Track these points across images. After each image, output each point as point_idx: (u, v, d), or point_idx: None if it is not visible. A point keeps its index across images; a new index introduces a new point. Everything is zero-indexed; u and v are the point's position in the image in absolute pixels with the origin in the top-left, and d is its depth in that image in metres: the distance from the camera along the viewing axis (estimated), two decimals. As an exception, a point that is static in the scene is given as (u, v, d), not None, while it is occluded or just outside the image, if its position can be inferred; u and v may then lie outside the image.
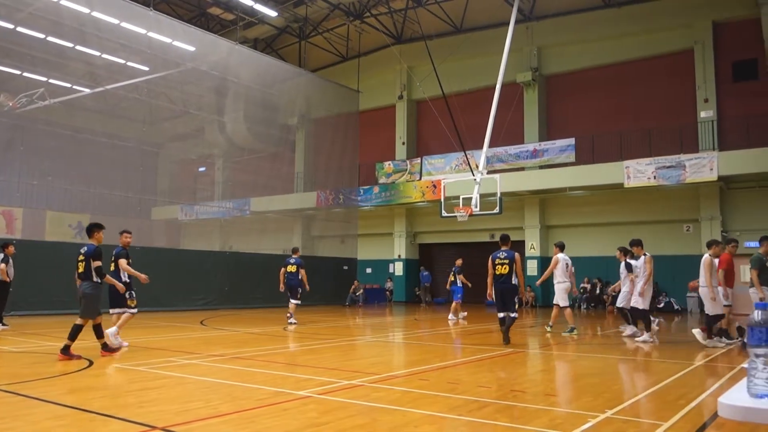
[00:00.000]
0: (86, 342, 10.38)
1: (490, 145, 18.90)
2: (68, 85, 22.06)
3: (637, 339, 11.33)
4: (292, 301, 14.82)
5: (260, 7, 24.25)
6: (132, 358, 8.50)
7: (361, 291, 25.69)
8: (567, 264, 12.76)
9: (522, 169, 23.56)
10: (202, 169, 31.53)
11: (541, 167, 23.03)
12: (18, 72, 20.49)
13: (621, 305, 12.58)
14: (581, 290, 23.07)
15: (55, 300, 16.76)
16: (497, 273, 10.59)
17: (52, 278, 16.65)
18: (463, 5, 25.25)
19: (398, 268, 28.29)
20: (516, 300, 10.74)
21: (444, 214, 18.92)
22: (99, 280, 8.47)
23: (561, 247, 12.92)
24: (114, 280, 8.94)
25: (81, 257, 8.52)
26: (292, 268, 14.85)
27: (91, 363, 7.90)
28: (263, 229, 26.77)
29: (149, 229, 25.33)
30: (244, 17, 25.66)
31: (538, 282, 14.65)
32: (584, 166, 21.82)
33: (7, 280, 12.69)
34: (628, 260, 12.37)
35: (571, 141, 22.43)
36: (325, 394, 6.00)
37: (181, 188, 30.12)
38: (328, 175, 27.76)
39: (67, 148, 21.80)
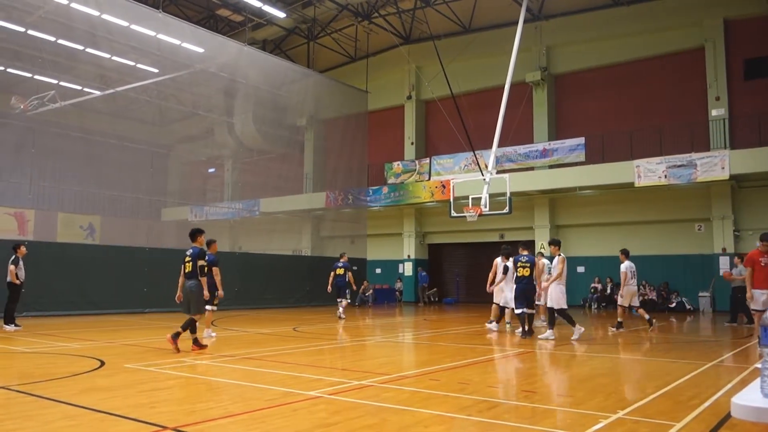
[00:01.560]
0: (97, 342, 10.47)
1: (500, 145, 18.82)
2: (79, 88, 22.22)
3: (539, 336, 11.61)
4: (343, 300, 16.60)
5: (269, 9, 24.30)
6: (143, 358, 8.55)
7: (371, 291, 25.69)
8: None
9: (531, 168, 23.47)
10: (211, 170, 31.68)
11: (551, 167, 22.93)
12: (29, 75, 20.66)
13: (501, 304, 13.37)
14: (592, 290, 22.98)
15: (67, 301, 16.89)
16: (519, 275, 11.88)
17: (64, 279, 16.79)
18: (471, 5, 25.19)
19: (407, 269, 28.27)
20: (535, 297, 12.15)
21: (453, 214, 18.87)
22: (201, 277, 9.49)
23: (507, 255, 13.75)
24: (205, 285, 9.62)
25: (188, 258, 9.59)
26: (340, 271, 16.58)
27: (102, 363, 7.95)
28: (273, 229, 26.84)
29: (159, 230, 25.47)
30: (252, 18, 25.73)
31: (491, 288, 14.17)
32: (594, 165, 21.70)
33: (17, 282, 12.74)
34: (507, 264, 13.21)
35: (581, 140, 22.31)
36: (335, 394, 6.00)
37: (191, 189, 30.27)
38: (337, 176, 27.78)
39: (77, 150, 21.93)
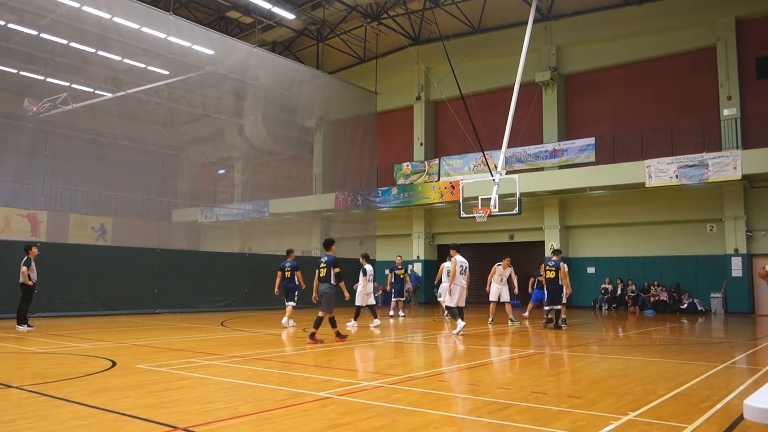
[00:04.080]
0: (109, 343, 10.55)
1: (509, 146, 18.79)
2: (91, 90, 22.37)
3: (452, 333, 12.47)
4: (400, 299, 18.43)
5: (278, 10, 24.36)
6: (154, 359, 8.60)
7: (380, 292, 25.65)
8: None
9: (541, 169, 23.38)
10: (221, 171, 31.83)
11: (561, 167, 22.83)
12: (42, 77, 20.82)
13: (360, 304, 14.86)
14: (602, 291, 22.86)
15: (79, 302, 17.01)
16: (547, 276, 14.06)
17: (76, 280, 16.91)
18: (480, 5, 25.14)
19: (417, 270, 28.24)
20: (561, 296, 13.97)
21: (463, 214, 18.86)
22: (335, 283, 10.77)
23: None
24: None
25: (323, 265, 10.84)
26: (400, 272, 18.53)
27: (114, 364, 8.00)
28: (282, 230, 26.90)
29: (170, 231, 25.61)
30: (262, 20, 25.81)
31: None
32: (604, 165, 21.59)
33: (29, 283, 12.83)
34: (365, 266, 15.13)
35: (591, 140, 22.20)
36: (345, 395, 6.01)
37: (201, 190, 30.43)
38: (347, 177, 27.79)
39: (89, 152, 22.09)
